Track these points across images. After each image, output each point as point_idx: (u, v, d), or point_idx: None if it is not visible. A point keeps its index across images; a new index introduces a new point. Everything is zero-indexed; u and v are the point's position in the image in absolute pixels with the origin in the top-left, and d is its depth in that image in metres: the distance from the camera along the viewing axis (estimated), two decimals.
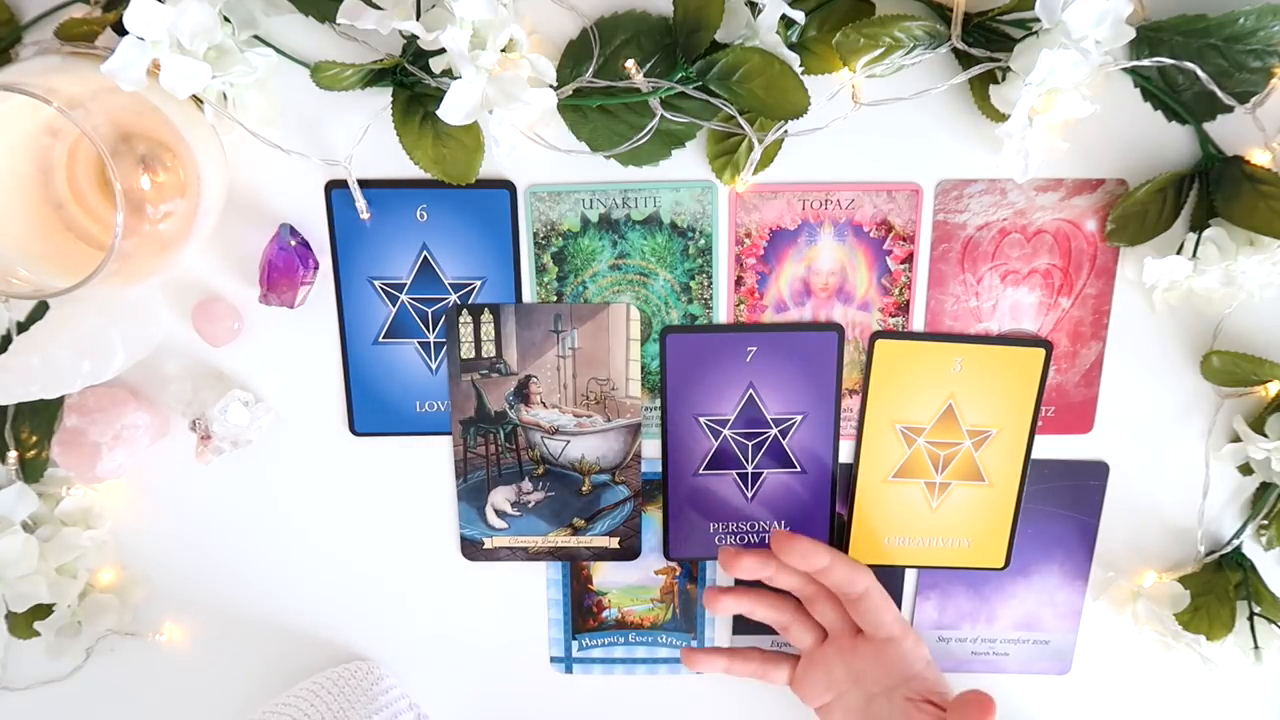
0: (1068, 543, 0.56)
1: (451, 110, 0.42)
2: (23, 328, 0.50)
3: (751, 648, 0.55)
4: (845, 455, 0.55)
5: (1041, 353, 0.52)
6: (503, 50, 0.43)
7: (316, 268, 0.50)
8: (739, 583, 0.54)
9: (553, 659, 0.59)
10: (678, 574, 0.57)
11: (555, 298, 0.52)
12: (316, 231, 0.50)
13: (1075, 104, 0.44)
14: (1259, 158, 0.47)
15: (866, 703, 0.51)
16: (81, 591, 0.54)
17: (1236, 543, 0.54)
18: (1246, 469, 0.53)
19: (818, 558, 0.50)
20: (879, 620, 0.50)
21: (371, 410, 0.54)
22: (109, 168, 0.39)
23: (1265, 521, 0.53)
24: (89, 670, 0.58)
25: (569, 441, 0.54)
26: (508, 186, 0.50)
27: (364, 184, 0.49)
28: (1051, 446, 0.54)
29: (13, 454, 0.52)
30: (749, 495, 0.55)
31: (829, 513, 0.55)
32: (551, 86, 0.45)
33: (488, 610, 0.58)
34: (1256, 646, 0.53)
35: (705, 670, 0.54)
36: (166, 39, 0.41)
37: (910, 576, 0.57)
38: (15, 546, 0.50)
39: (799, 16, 0.43)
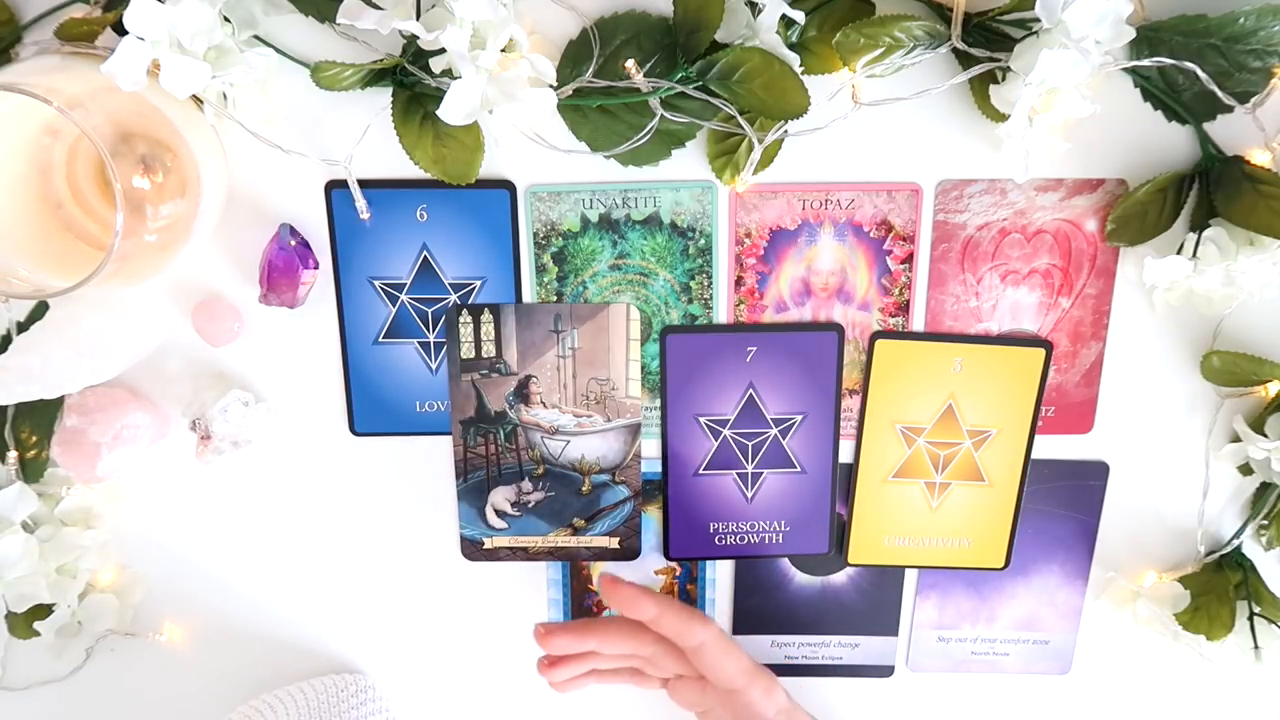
0: (1068, 543, 0.56)
1: (451, 110, 0.42)
2: (23, 328, 0.50)
3: (621, 668, 0.52)
4: (845, 455, 0.55)
5: (1041, 353, 0.52)
6: (503, 50, 0.43)
7: (316, 268, 0.50)
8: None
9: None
10: (678, 574, 0.57)
11: (555, 298, 0.52)
12: (316, 231, 0.50)
13: (1075, 104, 0.44)
14: (1259, 158, 0.47)
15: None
16: (81, 591, 0.54)
17: (1236, 543, 0.54)
18: (1246, 469, 0.53)
19: (646, 607, 0.47)
20: (719, 674, 0.48)
21: (371, 410, 0.54)
22: (109, 168, 0.39)
23: (1265, 521, 0.54)
24: (89, 670, 0.58)
25: (569, 441, 0.54)
26: (508, 186, 0.50)
27: (364, 184, 0.49)
28: (1051, 446, 0.54)
29: (13, 454, 0.52)
30: (749, 495, 0.55)
31: (829, 513, 0.55)
32: (551, 86, 0.45)
33: (488, 610, 0.58)
34: (1256, 646, 0.53)
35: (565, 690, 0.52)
36: (166, 39, 0.41)
37: (910, 576, 0.57)
38: (15, 546, 0.50)
39: (799, 16, 0.43)
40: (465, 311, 0.52)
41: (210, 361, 0.53)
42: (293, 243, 0.49)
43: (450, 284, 0.52)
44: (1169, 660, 0.58)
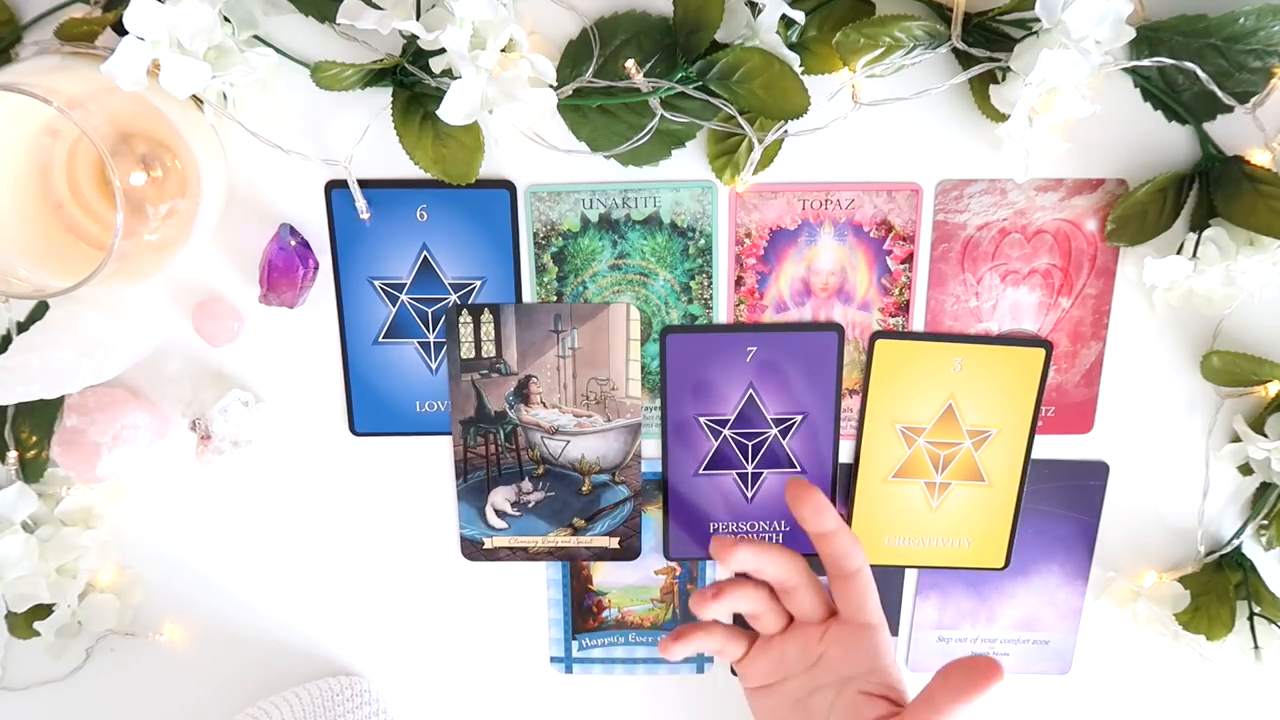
0: (1068, 543, 0.56)
1: (451, 110, 0.42)
2: (23, 328, 0.50)
3: (713, 621, 0.51)
4: (845, 455, 0.55)
5: (1041, 353, 0.52)
6: (503, 50, 0.43)
7: (316, 268, 0.50)
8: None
9: (553, 659, 0.59)
10: (678, 574, 0.57)
11: (555, 298, 0.52)
12: (316, 231, 0.50)
13: (1075, 104, 0.44)
14: (1259, 158, 0.47)
15: (808, 693, 0.49)
16: (81, 591, 0.54)
17: (1236, 543, 0.54)
18: (1246, 469, 0.53)
19: (829, 518, 0.48)
20: (863, 603, 0.48)
21: (371, 410, 0.54)
22: (109, 168, 0.39)
23: (1265, 521, 0.53)
24: (89, 670, 0.58)
25: (569, 441, 0.54)
26: (508, 186, 0.50)
27: (364, 184, 0.49)
28: (1051, 446, 0.54)
29: (13, 454, 0.52)
30: (749, 495, 0.55)
31: None
32: (551, 86, 0.45)
33: (488, 610, 0.58)
34: (1256, 646, 0.53)
35: (676, 654, 0.50)
36: (166, 39, 0.41)
37: (910, 576, 0.57)
38: (15, 546, 0.50)
39: (799, 16, 0.43)
40: (465, 311, 0.52)
41: (210, 361, 0.53)
42: (293, 243, 0.49)
43: (450, 284, 0.52)
44: (1169, 660, 0.58)
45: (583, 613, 0.58)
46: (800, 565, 0.49)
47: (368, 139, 0.48)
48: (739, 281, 0.52)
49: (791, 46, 0.45)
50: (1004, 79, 0.45)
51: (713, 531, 0.56)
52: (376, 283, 0.52)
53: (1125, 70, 0.46)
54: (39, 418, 0.52)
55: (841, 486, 0.55)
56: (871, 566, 0.51)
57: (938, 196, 0.50)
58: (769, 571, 0.49)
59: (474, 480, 0.55)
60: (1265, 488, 0.53)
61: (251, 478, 0.55)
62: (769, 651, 0.50)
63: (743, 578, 0.50)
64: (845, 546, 0.48)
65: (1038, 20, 0.42)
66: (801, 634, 0.49)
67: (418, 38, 0.42)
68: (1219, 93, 0.45)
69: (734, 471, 0.55)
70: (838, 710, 0.47)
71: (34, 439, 0.52)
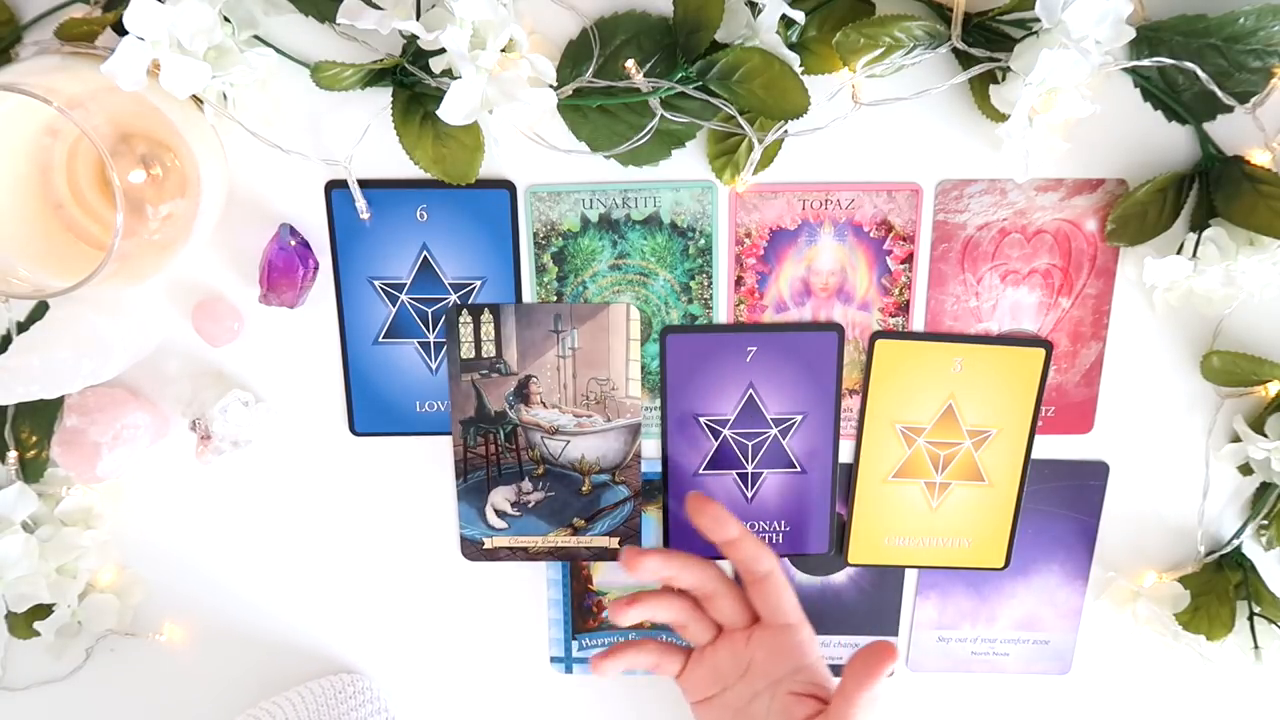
0: (1068, 543, 0.56)
1: (451, 110, 0.42)
2: (23, 328, 0.50)
3: (648, 638, 0.52)
4: (845, 455, 0.55)
5: (1041, 353, 0.52)
6: (503, 50, 0.42)
7: (317, 268, 0.50)
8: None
9: (553, 659, 0.59)
10: None
11: (555, 298, 0.52)
12: (316, 231, 0.50)
13: (1075, 104, 0.44)
14: (1259, 158, 0.47)
15: (747, 701, 0.50)
16: (81, 591, 0.54)
17: (1236, 543, 0.54)
18: (1246, 469, 0.53)
19: (729, 527, 0.49)
20: (778, 604, 0.49)
21: (371, 410, 0.54)
22: (109, 168, 0.39)
23: (1265, 521, 0.53)
24: (89, 670, 0.58)
25: (569, 441, 0.54)
26: (508, 186, 0.50)
27: (364, 184, 0.49)
28: (1051, 446, 0.54)
29: (13, 454, 0.52)
30: (749, 495, 0.55)
31: (829, 513, 0.55)
32: (551, 86, 0.45)
33: (488, 610, 0.58)
34: (1256, 646, 0.53)
35: (608, 671, 0.51)
36: (166, 39, 0.41)
37: (910, 576, 0.57)
38: (15, 546, 0.50)
39: (799, 16, 0.43)
40: (465, 311, 0.52)
41: (210, 361, 0.53)
42: (293, 243, 0.49)
43: (450, 284, 0.52)
44: (1169, 660, 0.58)
45: (583, 613, 0.58)
46: (713, 572, 0.51)
47: (368, 139, 0.47)
48: (739, 281, 0.52)
49: (791, 46, 0.45)
50: (1004, 79, 0.45)
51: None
52: (376, 283, 0.52)
53: (1125, 70, 0.46)
54: (39, 418, 0.52)
55: (841, 486, 0.55)
56: (871, 566, 0.52)
57: (938, 196, 0.50)
58: (683, 579, 0.50)
59: (474, 480, 0.55)
60: (1265, 488, 0.53)
61: (251, 478, 0.55)
62: (704, 663, 0.51)
63: (666, 587, 0.51)
64: (752, 551, 0.49)
65: (1038, 20, 0.42)
66: (730, 642, 0.51)
67: (418, 38, 0.42)
68: (1219, 93, 0.45)
69: (734, 471, 0.55)
70: (774, 714, 0.48)
71: (34, 439, 0.52)
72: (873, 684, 0.45)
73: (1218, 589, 0.54)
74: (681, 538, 0.56)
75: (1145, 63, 0.45)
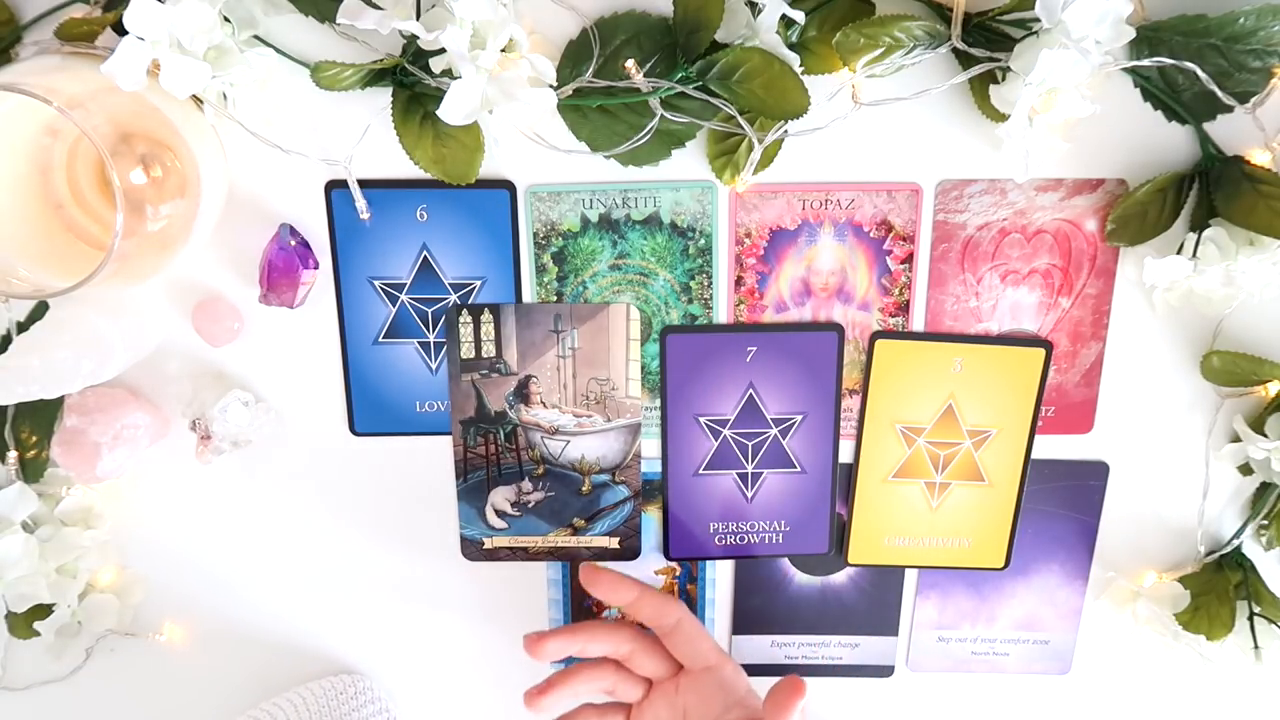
0: (1068, 543, 0.56)
1: (451, 110, 0.42)
2: (23, 328, 0.50)
3: (586, 704, 0.52)
4: (845, 455, 0.55)
5: (1041, 353, 0.52)
6: (503, 50, 0.42)
7: (316, 268, 0.50)
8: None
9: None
10: (678, 574, 0.57)
11: (555, 298, 0.52)
12: (316, 231, 0.50)
13: (1075, 104, 0.44)
14: (1259, 158, 0.47)
15: None
16: (81, 591, 0.54)
17: (1236, 543, 0.54)
18: (1246, 469, 0.53)
19: (625, 591, 0.50)
20: (694, 650, 0.50)
21: (371, 410, 0.54)
22: (109, 168, 0.39)
23: (1265, 521, 0.54)
24: (89, 670, 0.58)
25: (569, 441, 0.54)
26: (508, 186, 0.50)
27: (364, 184, 0.49)
28: (1051, 446, 0.54)
29: (13, 454, 0.52)
30: (749, 495, 0.55)
31: (829, 513, 0.55)
32: (551, 86, 0.45)
33: (488, 610, 0.58)
34: (1256, 646, 0.53)
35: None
36: (166, 39, 0.41)
37: (910, 576, 0.57)
38: (15, 546, 0.50)
39: (799, 16, 0.43)
40: (465, 311, 0.52)
41: (210, 361, 0.53)
42: (293, 243, 0.49)
43: (450, 284, 0.52)
44: (1169, 660, 0.58)
45: (583, 613, 0.58)
46: (623, 634, 0.51)
47: (368, 139, 0.48)
48: (739, 281, 0.52)
49: (791, 46, 0.45)
50: (1004, 79, 0.45)
51: (712, 533, 0.56)
52: (376, 283, 0.52)
53: (1125, 70, 0.46)
54: (39, 418, 0.52)
55: (841, 486, 0.55)
56: (871, 566, 0.52)
57: (938, 196, 0.50)
58: (591, 650, 0.51)
59: (474, 480, 0.55)
60: (1265, 488, 0.53)
61: (251, 478, 0.55)
62: (643, 717, 0.51)
63: (588, 660, 0.51)
64: (655, 608, 0.50)
65: (1038, 20, 0.42)
66: (662, 693, 0.51)
67: (418, 38, 0.42)
68: (1219, 93, 0.45)
69: (734, 471, 0.55)
70: None
71: (34, 439, 0.52)
72: (788, 715, 0.45)
73: (1218, 589, 0.54)
74: (682, 538, 0.56)
75: (1145, 63, 0.45)
